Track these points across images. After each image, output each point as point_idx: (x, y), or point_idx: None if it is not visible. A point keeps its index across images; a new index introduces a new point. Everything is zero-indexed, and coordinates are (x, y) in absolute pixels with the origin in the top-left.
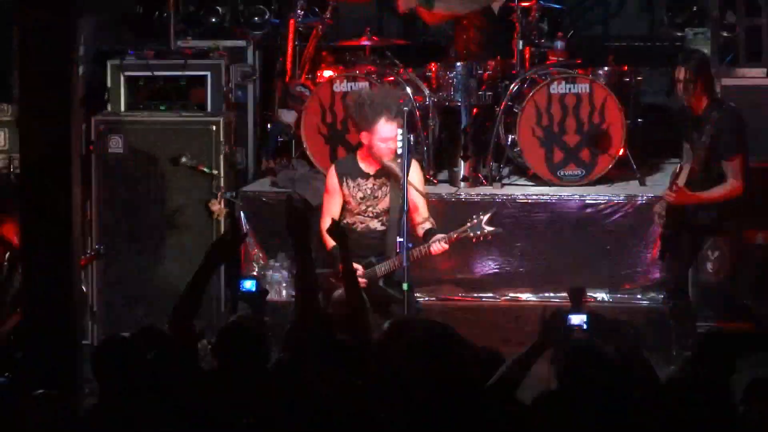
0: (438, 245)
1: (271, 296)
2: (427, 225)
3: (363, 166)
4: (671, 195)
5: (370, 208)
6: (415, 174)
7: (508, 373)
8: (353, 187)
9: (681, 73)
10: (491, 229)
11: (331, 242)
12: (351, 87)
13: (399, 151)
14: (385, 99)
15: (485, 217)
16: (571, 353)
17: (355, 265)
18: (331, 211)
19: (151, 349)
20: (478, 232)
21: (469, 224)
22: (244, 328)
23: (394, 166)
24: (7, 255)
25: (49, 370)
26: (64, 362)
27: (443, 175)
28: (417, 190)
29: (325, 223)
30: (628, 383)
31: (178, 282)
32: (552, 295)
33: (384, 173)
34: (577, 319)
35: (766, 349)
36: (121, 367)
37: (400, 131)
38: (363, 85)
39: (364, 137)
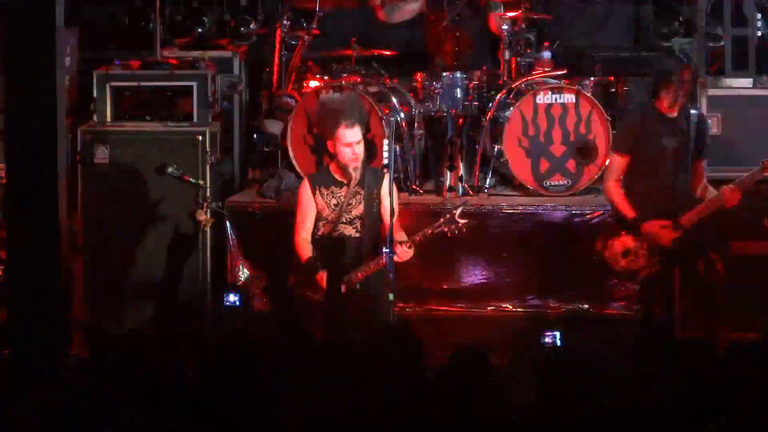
0: (402, 249)
1: (256, 306)
2: (397, 236)
3: (336, 175)
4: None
5: (344, 215)
6: (387, 186)
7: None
8: (327, 195)
9: (687, 75)
10: (465, 221)
11: (305, 254)
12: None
13: (385, 161)
14: (343, 105)
15: (458, 211)
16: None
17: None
18: (305, 224)
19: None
20: (452, 226)
21: (442, 219)
22: None
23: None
24: None
25: (35, 377)
26: (48, 369)
27: (429, 185)
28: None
29: (299, 235)
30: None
31: (163, 291)
32: (538, 304)
33: (358, 182)
34: (550, 337)
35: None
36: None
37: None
38: (346, 94)
39: (330, 145)
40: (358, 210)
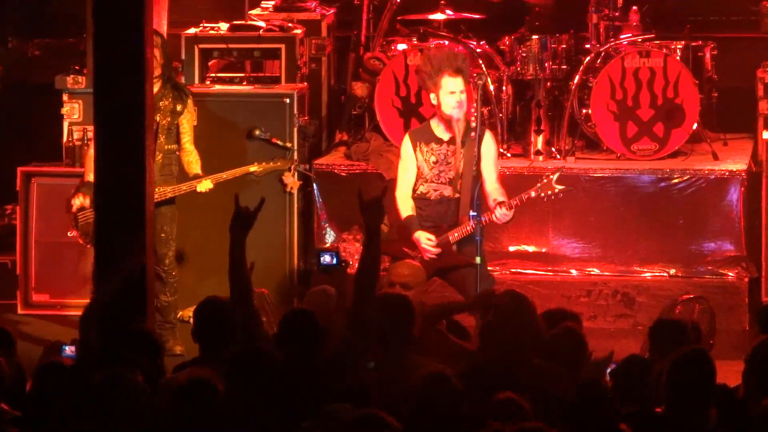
0: (500, 211)
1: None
2: (497, 195)
3: (437, 131)
4: None
5: (443, 174)
6: (490, 145)
7: None
8: (426, 151)
9: None
10: (561, 187)
11: (404, 212)
12: None
13: (473, 120)
14: (445, 55)
15: (555, 176)
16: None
17: (428, 235)
18: (406, 179)
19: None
20: (549, 192)
21: (539, 184)
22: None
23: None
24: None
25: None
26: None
27: (517, 148)
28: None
29: (400, 191)
30: None
31: (251, 255)
32: (624, 269)
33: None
34: None
35: None
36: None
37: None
38: (449, 47)
39: (432, 98)
40: (458, 169)
